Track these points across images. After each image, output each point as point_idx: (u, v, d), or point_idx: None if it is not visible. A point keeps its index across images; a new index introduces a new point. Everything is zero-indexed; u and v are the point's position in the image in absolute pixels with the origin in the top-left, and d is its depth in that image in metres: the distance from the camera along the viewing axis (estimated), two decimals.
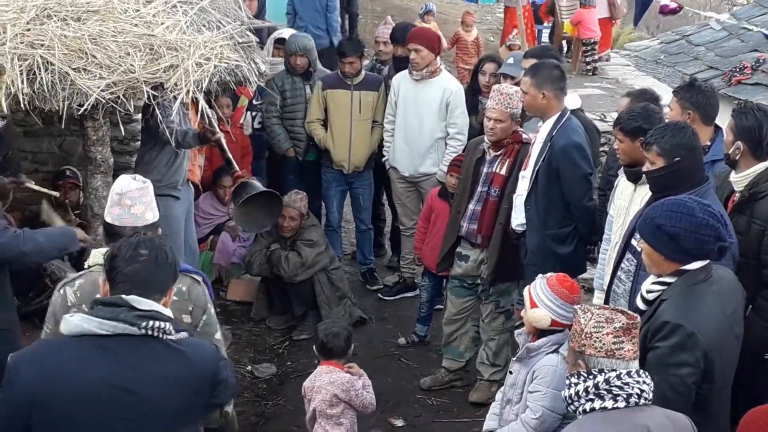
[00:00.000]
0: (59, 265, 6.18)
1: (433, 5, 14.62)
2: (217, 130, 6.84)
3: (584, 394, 3.35)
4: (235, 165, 7.09)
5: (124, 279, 3.24)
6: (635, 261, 4.68)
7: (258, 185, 6.99)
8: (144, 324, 3.16)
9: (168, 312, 3.30)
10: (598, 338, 3.37)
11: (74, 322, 3.18)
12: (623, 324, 3.38)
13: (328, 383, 5.21)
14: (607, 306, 3.69)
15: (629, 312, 3.53)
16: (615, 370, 3.34)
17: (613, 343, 3.36)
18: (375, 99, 8.26)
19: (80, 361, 3.15)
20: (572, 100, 6.76)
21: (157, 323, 3.19)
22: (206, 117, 6.91)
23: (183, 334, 3.36)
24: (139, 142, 7.65)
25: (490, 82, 7.67)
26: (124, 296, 3.19)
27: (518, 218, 6.12)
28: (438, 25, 14.17)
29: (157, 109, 5.74)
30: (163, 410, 3.21)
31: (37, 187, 5.63)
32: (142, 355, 3.18)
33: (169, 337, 3.25)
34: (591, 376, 3.35)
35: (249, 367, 7.25)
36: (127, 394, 3.15)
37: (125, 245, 3.29)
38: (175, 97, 5.53)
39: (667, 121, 5.21)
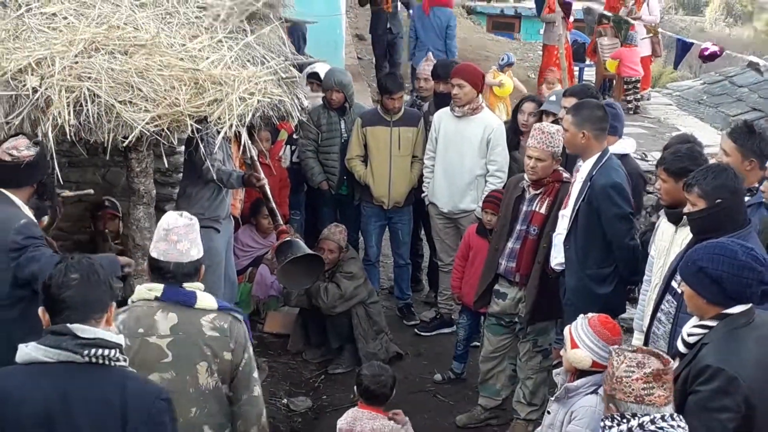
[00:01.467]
0: None
1: (514, 58, 14.37)
2: (262, 176, 6.91)
3: None
4: (279, 218, 7.16)
5: (60, 307, 3.24)
6: (675, 303, 4.64)
7: (302, 246, 7.06)
8: (86, 352, 3.18)
9: (116, 337, 3.29)
10: (627, 383, 3.34)
11: (25, 351, 3.22)
12: (654, 370, 3.35)
13: (372, 429, 5.15)
14: (642, 348, 3.64)
15: (664, 355, 3.49)
16: (648, 414, 3.30)
17: (642, 389, 3.33)
18: (414, 135, 8.30)
19: (22, 387, 3.19)
20: (626, 144, 6.74)
21: (100, 351, 3.20)
22: (249, 156, 7.00)
23: (129, 368, 3.38)
24: (181, 174, 7.73)
25: (528, 121, 7.68)
26: (68, 325, 3.20)
27: (557, 257, 6.09)
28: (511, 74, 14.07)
29: (200, 143, 5.81)
30: None
31: (72, 193, 5.68)
32: (78, 382, 3.19)
33: (118, 363, 3.26)
34: (625, 420, 3.32)
35: (285, 400, 7.25)
36: (61, 418, 3.17)
37: (56, 273, 3.29)
38: (218, 131, 5.58)
39: (711, 162, 5.17)
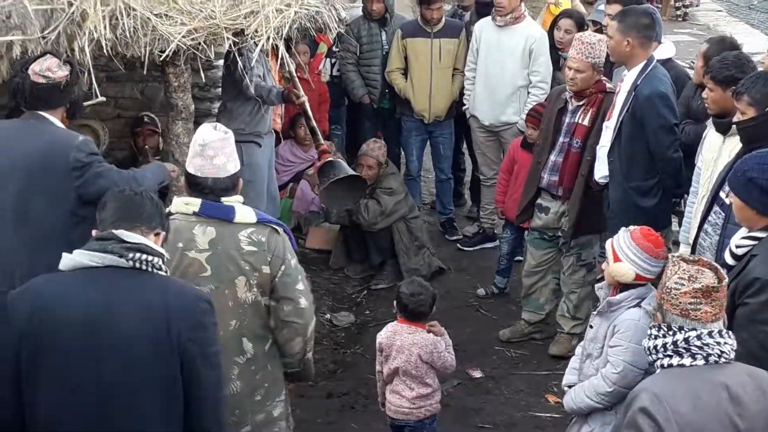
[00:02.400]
0: None
1: None
2: (302, 93, 6.82)
3: (662, 349, 3.27)
4: (320, 137, 7.09)
5: (107, 216, 3.33)
6: (723, 214, 4.56)
7: (344, 166, 6.98)
8: (131, 256, 3.22)
9: (158, 247, 3.35)
10: (675, 296, 3.27)
11: (69, 257, 3.27)
12: (704, 285, 3.26)
13: (412, 344, 5.13)
14: (702, 260, 3.55)
15: (721, 271, 3.40)
16: (695, 330, 3.24)
17: (689, 303, 3.25)
18: (456, 46, 8.15)
19: (67, 293, 3.23)
20: (665, 49, 6.53)
21: (144, 256, 3.24)
22: (288, 70, 6.91)
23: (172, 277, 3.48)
24: (219, 89, 7.68)
25: (564, 38, 7.48)
26: (114, 230, 3.26)
27: (601, 170, 5.98)
28: None
29: (238, 57, 5.74)
30: (138, 339, 3.22)
31: (87, 103, 5.64)
32: (123, 284, 3.23)
33: (159, 272, 3.31)
34: (671, 332, 3.26)
35: (327, 316, 7.30)
36: (104, 320, 3.20)
37: (110, 193, 3.46)
38: (255, 44, 5.50)
39: (760, 70, 5.02)
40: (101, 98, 5.66)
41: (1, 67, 5.16)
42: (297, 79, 7.05)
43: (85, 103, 5.40)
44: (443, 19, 8.17)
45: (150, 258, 3.26)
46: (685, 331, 3.23)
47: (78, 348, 3.19)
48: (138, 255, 3.23)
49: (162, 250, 3.35)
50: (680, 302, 3.26)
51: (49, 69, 4.68)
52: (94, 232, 3.35)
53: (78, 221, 4.58)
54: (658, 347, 3.29)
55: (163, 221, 3.46)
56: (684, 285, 3.27)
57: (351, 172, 7.04)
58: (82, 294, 3.21)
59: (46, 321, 3.19)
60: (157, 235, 3.40)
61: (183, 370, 3.28)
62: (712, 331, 3.23)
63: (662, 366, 3.27)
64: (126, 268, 3.23)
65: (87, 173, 4.55)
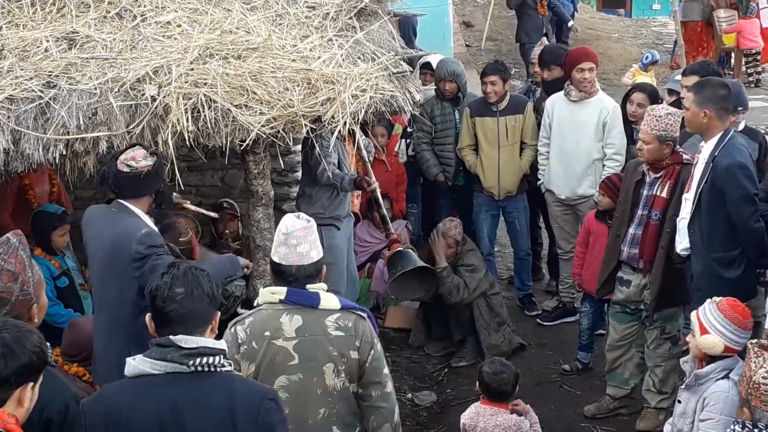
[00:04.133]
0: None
1: (658, 55, 14.02)
2: (373, 180, 6.92)
3: None
4: (390, 226, 7.18)
5: (165, 320, 3.31)
6: None
7: (414, 258, 7.03)
8: (191, 362, 3.23)
9: (218, 343, 3.34)
10: (766, 392, 3.19)
11: (132, 364, 3.28)
12: None
13: (495, 426, 5.10)
14: None
15: None
16: None
17: None
18: (520, 122, 8.20)
19: (134, 403, 3.25)
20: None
21: (205, 359, 3.24)
22: (361, 156, 7.04)
23: (235, 372, 3.42)
24: (297, 173, 7.83)
25: (637, 112, 7.48)
26: (171, 337, 3.25)
27: (682, 242, 5.92)
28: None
29: (315, 144, 5.85)
30: None
31: (195, 208, 5.79)
32: (186, 391, 3.23)
33: (224, 369, 3.30)
34: (757, 430, 3.18)
35: (409, 395, 7.26)
36: (172, 429, 3.21)
37: (162, 285, 3.34)
38: (332, 130, 5.62)
39: None
40: (212, 214, 5.83)
41: (88, 162, 5.37)
42: (369, 166, 7.16)
43: (194, 208, 5.57)
44: (507, 96, 8.24)
45: (211, 360, 3.26)
46: None
47: None
48: (198, 360, 3.24)
49: (222, 345, 3.35)
50: None
51: (134, 158, 4.85)
52: (147, 318, 3.37)
53: (140, 310, 4.68)
54: None
55: (217, 304, 3.43)
56: None
57: (420, 263, 7.06)
58: (148, 404, 3.23)
59: (115, 429, 3.24)
60: (215, 318, 3.41)
61: None
62: None
63: None
64: (187, 372, 3.24)
65: (146, 265, 4.67)
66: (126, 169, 4.84)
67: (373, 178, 7.01)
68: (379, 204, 7.11)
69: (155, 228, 4.96)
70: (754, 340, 3.67)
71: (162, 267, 4.66)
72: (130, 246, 4.71)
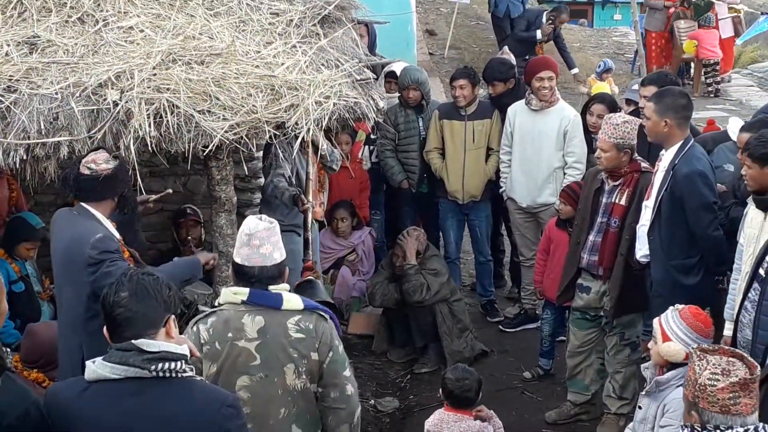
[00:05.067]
0: (191, 288, 6.27)
1: (612, 63, 14.06)
2: (306, 201, 6.92)
3: None
4: (310, 253, 7.15)
5: (113, 324, 3.28)
6: (760, 290, 4.55)
7: (322, 289, 7.01)
8: (153, 367, 3.19)
9: (180, 348, 3.30)
10: (712, 393, 3.21)
11: (92, 368, 3.25)
12: (740, 378, 3.21)
13: None
14: (724, 349, 3.50)
15: (749, 359, 3.36)
16: (731, 428, 3.19)
17: (728, 398, 3.19)
18: (488, 127, 8.24)
19: (94, 408, 3.22)
20: (733, 125, 6.65)
21: (167, 364, 3.21)
22: (307, 173, 7.03)
23: (197, 377, 3.40)
24: (260, 180, 7.80)
25: (596, 123, 7.55)
26: (133, 341, 3.22)
27: (642, 249, 5.99)
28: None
29: (277, 151, 5.84)
30: None
31: (156, 196, 5.73)
32: (146, 398, 3.21)
33: (185, 374, 3.27)
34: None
35: (372, 401, 7.27)
36: None
37: (108, 291, 3.32)
38: (296, 136, 5.61)
39: None
40: (169, 190, 5.79)
41: (49, 167, 5.32)
42: (311, 182, 7.15)
43: (153, 197, 5.55)
44: (476, 101, 8.28)
45: (173, 366, 3.23)
46: (722, 428, 3.18)
47: None
48: (160, 365, 3.20)
49: (183, 350, 3.32)
50: (718, 398, 3.19)
51: (94, 161, 4.84)
52: (104, 329, 3.33)
53: (93, 315, 4.68)
54: None
55: (168, 307, 3.37)
56: (719, 380, 3.21)
57: (326, 297, 7.06)
58: (107, 412, 3.20)
59: None
60: (170, 322, 3.37)
61: None
62: (749, 428, 3.17)
63: None
64: (148, 377, 3.21)
65: (99, 271, 4.66)
66: (87, 172, 4.83)
67: (310, 197, 6.99)
68: (306, 227, 7.11)
69: (115, 233, 4.93)
70: (695, 345, 3.71)
71: (115, 273, 4.64)
72: (83, 250, 4.70)
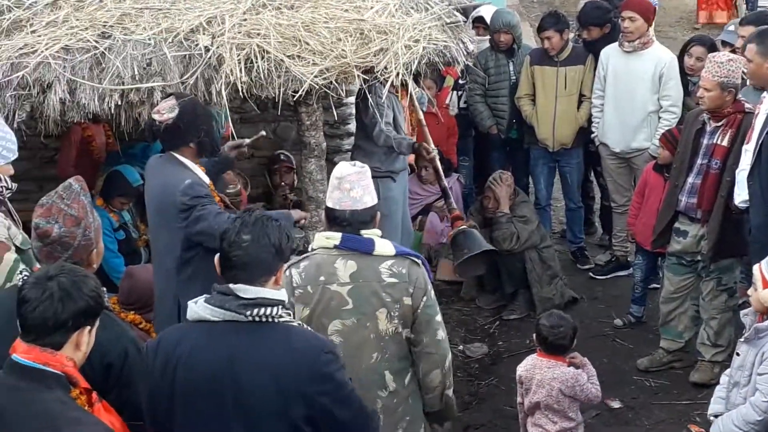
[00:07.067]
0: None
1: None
2: (432, 147, 6.87)
3: None
4: (452, 200, 7.10)
5: (229, 265, 3.28)
6: None
7: (479, 239, 6.92)
8: (249, 312, 3.20)
9: (278, 294, 3.30)
10: None
11: (194, 308, 3.28)
12: None
13: (552, 378, 5.09)
14: None
15: None
16: None
17: None
18: (581, 73, 8.08)
19: (194, 348, 3.25)
20: None
21: (263, 309, 3.21)
22: (417, 120, 6.99)
23: (295, 322, 3.40)
24: (349, 126, 7.81)
25: (695, 65, 7.32)
26: (231, 285, 3.23)
27: (741, 194, 5.81)
28: None
29: (369, 95, 5.82)
30: (260, 394, 3.21)
31: (249, 140, 5.75)
32: (242, 340, 3.22)
33: (282, 319, 3.27)
34: None
35: (461, 347, 7.28)
36: (227, 377, 3.21)
37: (230, 230, 3.30)
38: (384, 81, 5.58)
39: None
40: (262, 132, 5.82)
41: (143, 112, 5.40)
42: (427, 131, 7.09)
43: (247, 140, 5.59)
44: (569, 46, 8.12)
45: (269, 311, 3.24)
46: None
47: (206, 406, 3.24)
48: (256, 311, 3.22)
49: (282, 295, 3.33)
50: None
51: (159, 111, 4.86)
52: (216, 258, 3.35)
53: (185, 262, 4.78)
54: None
55: (283, 257, 3.39)
56: None
57: (486, 246, 6.98)
58: (206, 352, 3.24)
59: (178, 380, 3.26)
60: (281, 270, 3.39)
61: (318, 419, 3.29)
62: None
63: None
64: (244, 321, 3.23)
65: (191, 216, 4.71)
66: (155, 121, 4.86)
67: (432, 145, 6.94)
68: (440, 176, 7.06)
69: (204, 178, 4.97)
70: None
71: (207, 216, 4.71)
72: (174, 197, 4.75)
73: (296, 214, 5.46)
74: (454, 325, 7.62)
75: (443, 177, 7.14)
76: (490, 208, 7.74)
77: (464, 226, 6.86)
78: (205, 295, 3.31)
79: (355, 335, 4.03)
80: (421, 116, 7.19)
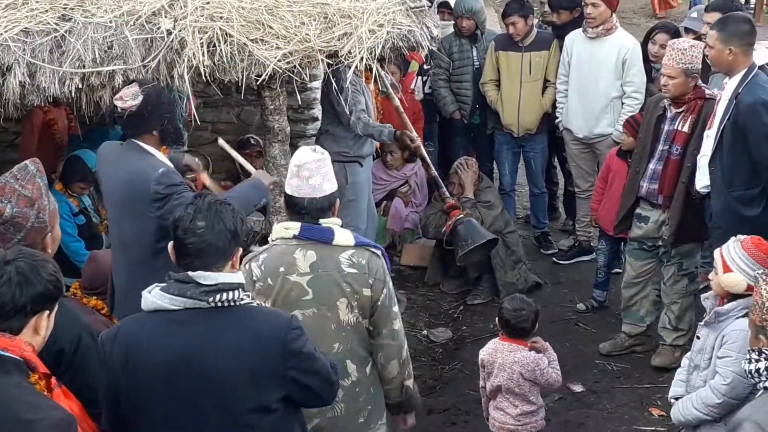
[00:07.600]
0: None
1: None
2: (416, 135, 6.85)
3: (765, 372, 3.19)
4: (446, 189, 7.09)
5: (185, 252, 3.26)
6: None
7: (479, 229, 6.90)
8: (211, 299, 3.19)
9: (236, 277, 3.29)
10: None
11: (150, 299, 3.24)
12: None
13: (513, 362, 5.11)
14: None
15: None
16: None
17: None
18: (545, 58, 8.11)
19: (154, 337, 3.22)
20: (761, 55, 6.42)
21: (225, 295, 3.20)
22: (390, 95, 6.97)
23: (254, 303, 3.40)
24: (313, 111, 7.77)
25: (659, 52, 7.35)
26: (190, 273, 3.21)
27: (702, 180, 5.87)
28: None
29: (332, 79, 5.78)
30: (232, 379, 3.21)
31: (210, 183, 5.66)
32: (207, 326, 3.21)
33: (242, 302, 3.26)
34: None
35: (425, 332, 7.31)
36: (196, 365, 3.19)
37: (184, 216, 3.28)
38: (348, 66, 5.56)
39: None
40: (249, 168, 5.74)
41: (104, 96, 5.32)
42: (406, 117, 7.07)
43: (210, 182, 5.49)
44: (534, 32, 8.13)
45: (230, 295, 3.22)
46: None
47: (173, 397, 3.22)
48: (218, 296, 3.20)
49: (239, 278, 3.31)
50: None
51: (121, 97, 4.73)
52: (170, 246, 3.34)
53: (158, 252, 4.61)
54: (761, 370, 3.21)
55: (239, 241, 3.37)
56: None
57: (489, 236, 6.98)
58: (168, 341, 3.21)
59: (139, 370, 3.22)
60: (236, 254, 3.37)
61: (294, 393, 3.33)
62: None
63: (765, 388, 3.20)
64: (208, 309, 3.21)
65: (167, 205, 4.58)
66: (117, 107, 4.74)
67: (415, 133, 6.92)
68: (428, 164, 7.06)
69: (171, 165, 4.90)
70: (761, 270, 3.64)
71: (184, 204, 4.63)
72: (147, 186, 4.61)
73: (265, 178, 5.31)
74: (418, 310, 7.66)
75: (431, 166, 7.14)
76: (455, 193, 7.76)
77: (461, 215, 6.89)
78: (158, 284, 3.28)
79: (316, 325, 3.99)
80: (398, 103, 7.17)
